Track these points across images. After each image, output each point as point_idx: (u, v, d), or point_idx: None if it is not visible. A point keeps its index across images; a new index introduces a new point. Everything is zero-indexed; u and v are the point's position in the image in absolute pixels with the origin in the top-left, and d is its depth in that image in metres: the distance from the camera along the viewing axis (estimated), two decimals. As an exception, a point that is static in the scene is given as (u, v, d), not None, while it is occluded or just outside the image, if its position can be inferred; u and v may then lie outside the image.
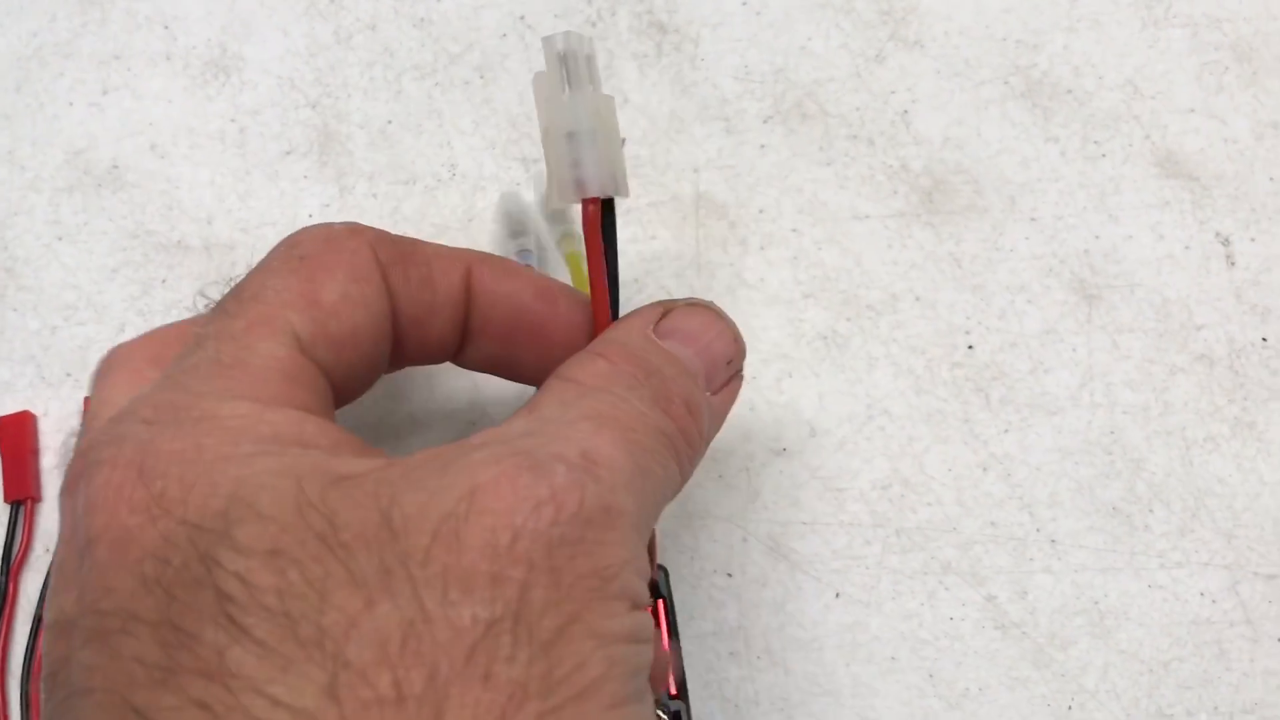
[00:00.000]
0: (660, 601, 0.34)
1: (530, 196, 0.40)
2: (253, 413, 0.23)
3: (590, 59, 0.28)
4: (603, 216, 0.28)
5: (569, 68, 0.28)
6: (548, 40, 0.28)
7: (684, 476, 0.26)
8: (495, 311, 0.29)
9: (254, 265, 0.27)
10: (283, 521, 0.21)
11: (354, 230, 0.28)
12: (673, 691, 0.33)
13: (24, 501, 0.37)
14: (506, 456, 0.22)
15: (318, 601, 0.20)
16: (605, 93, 0.29)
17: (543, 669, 0.20)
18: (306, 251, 0.27)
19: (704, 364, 0.28)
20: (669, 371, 0.26)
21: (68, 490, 0.23)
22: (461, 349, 0.30)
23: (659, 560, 0.35)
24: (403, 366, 0.30)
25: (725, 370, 0.29)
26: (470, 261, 0.29)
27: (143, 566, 0.21)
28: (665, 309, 0.28)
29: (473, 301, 0.29)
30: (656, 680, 0.30)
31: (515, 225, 0.39)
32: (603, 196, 0.28)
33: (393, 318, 0.28)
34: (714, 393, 0.28)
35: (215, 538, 0.21)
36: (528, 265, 0.36)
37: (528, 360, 0.30)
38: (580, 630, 0.21)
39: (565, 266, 0.38)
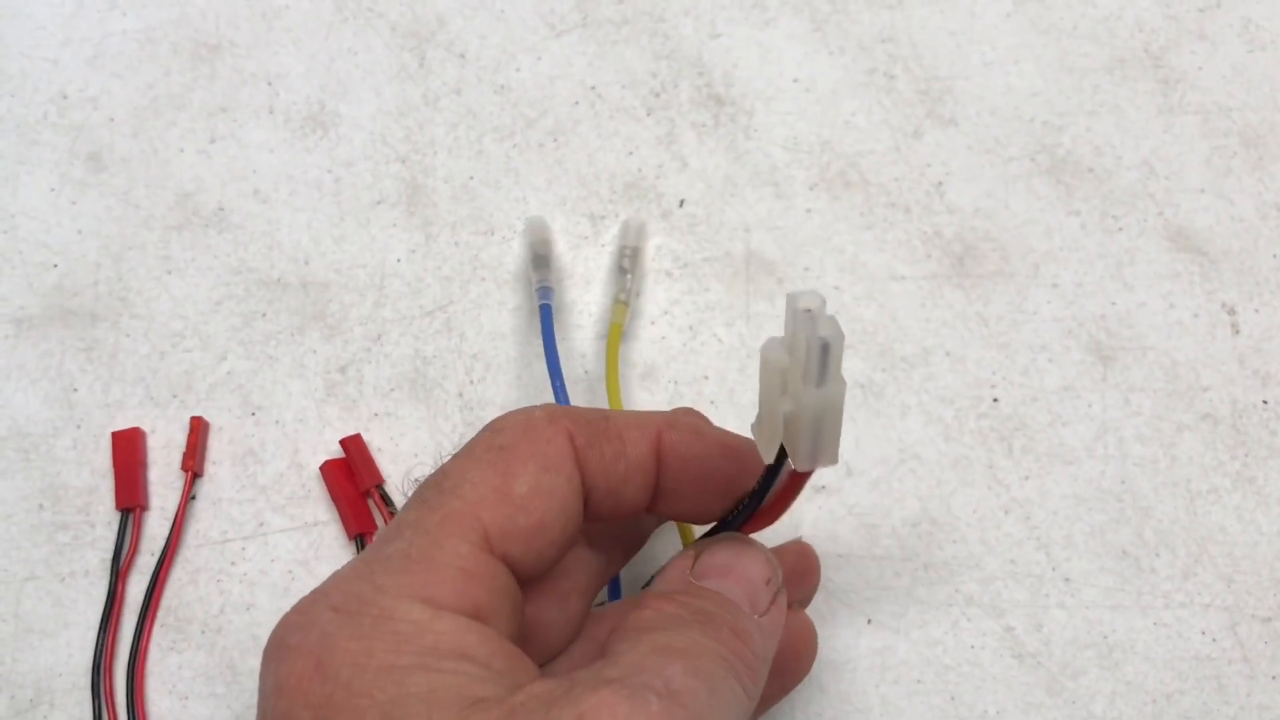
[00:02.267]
0: None
1: (553, 226, 0.45)
2: (424, 619, 0.27)
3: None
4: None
5: (830, 358, 0.26)
6: (810, 319, 0.26)
7: (749, 696, 0.28)
8: (685, 474, 0.32)
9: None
10: None
11: (551, 417, 0.30)
12: None
13: (133, 510, 0.41)
14: (602, 685, 0.25)
15: None
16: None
17: None
18: (506, 441, 0.30)
19: (744, 591, 0.30)
20: (711, 606, 0.29)
21: (266, 660, 0.27)
22: (653, 504, 0.32)
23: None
24: (596, 523, 0.32)
25: (766, 590, 0.31)
26: (660, 428, 0.32)
27: None
28: (697, 551, 0.31)
29: (663, 466, 0.32)
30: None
31: (539, 257, 0.43)
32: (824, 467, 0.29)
33: (585, 493, 0.31)
34: (761, 615, 0.30)
35: None
36: (544, 306, 0.41)
37: (718, 508, 0.33)
38: None
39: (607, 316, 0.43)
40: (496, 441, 0.30)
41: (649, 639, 0.27)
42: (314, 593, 0.28)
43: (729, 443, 0.33)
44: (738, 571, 0.30)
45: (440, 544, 0.28)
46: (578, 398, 0.43)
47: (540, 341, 0.42)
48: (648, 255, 0.45)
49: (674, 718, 0.25)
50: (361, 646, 0.26)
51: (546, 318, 0.41)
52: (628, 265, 0.44)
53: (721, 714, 0.27)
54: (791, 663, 0.35)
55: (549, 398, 0.40)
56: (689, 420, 0.33)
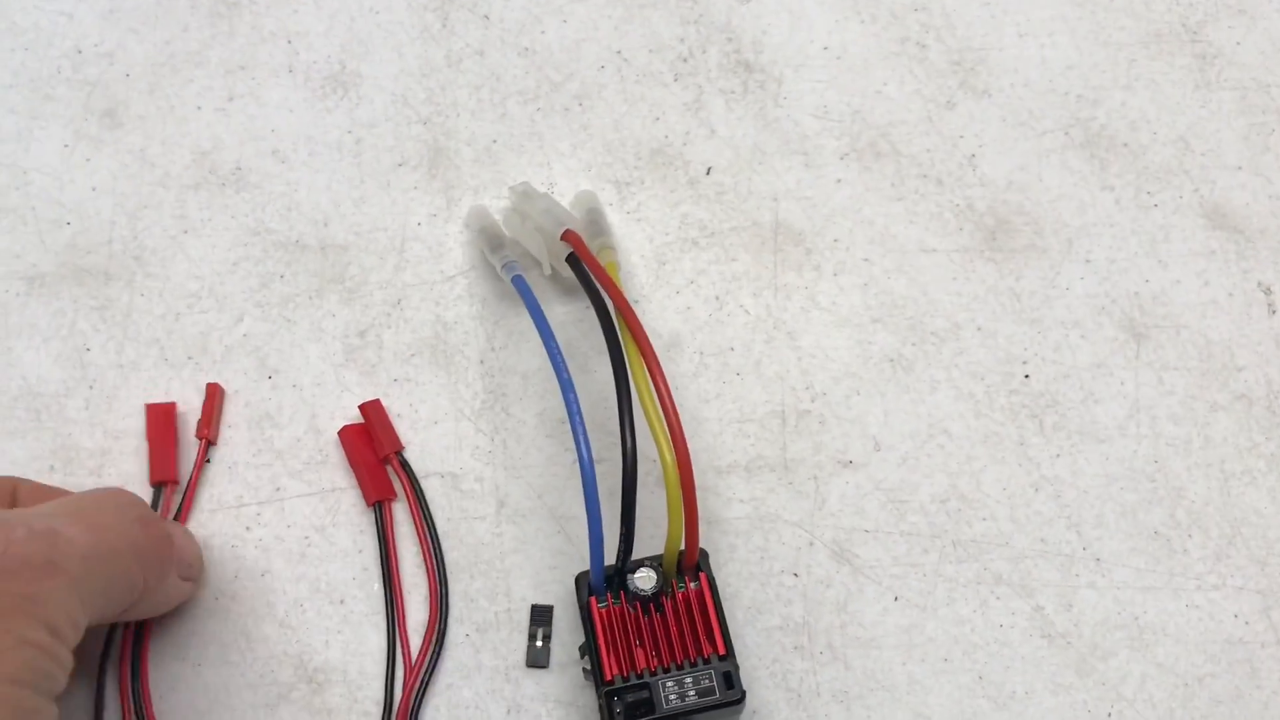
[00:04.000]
0: (703, 576, 0.37)
1: (496, 215, 0.44)
2: None
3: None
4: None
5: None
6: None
7: (147, 586, 0.34)
8: None
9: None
10: None
11: None
12: (721, 651, 0.36)
13: (165, 484, 0.40)
14: None
15: None
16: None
17: None
18: None
19: (182, 552, 0.37)
20: (152, 515, 0.36)
21: None
22: None
23: (701, 545, 0.37)
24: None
25: (186, 569, 0.37)
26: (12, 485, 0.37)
27: None
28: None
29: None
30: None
31: (492, 239, 0.42)
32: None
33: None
34: (181, 577, 0.37)
35: None
36: (516, 277, 0.40)
37: None
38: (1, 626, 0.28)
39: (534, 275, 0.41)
40: None
41: (76, 503, 0.33)
42: None
43: None
44: (181, 539, 0.38)
45: None
46: (595, 361, 0.42)
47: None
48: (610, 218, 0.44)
49: (34, 546, 0.29)
50: None
51: (522, 287, 0.40)
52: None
53: (102, 573, 0.32)
54: None
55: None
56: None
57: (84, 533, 0.31)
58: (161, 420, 0.40)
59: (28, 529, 0.30)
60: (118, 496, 0.35)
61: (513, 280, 0.40)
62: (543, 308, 0.38)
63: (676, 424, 0.35)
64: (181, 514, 0.40)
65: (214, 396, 0.41)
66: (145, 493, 0.40)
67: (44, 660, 0.29)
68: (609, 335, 0.38)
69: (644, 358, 0.37)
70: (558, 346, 0.37)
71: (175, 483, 0.40)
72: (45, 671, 0.29)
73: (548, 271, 0.42)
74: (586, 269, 0.39)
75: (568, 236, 0.40)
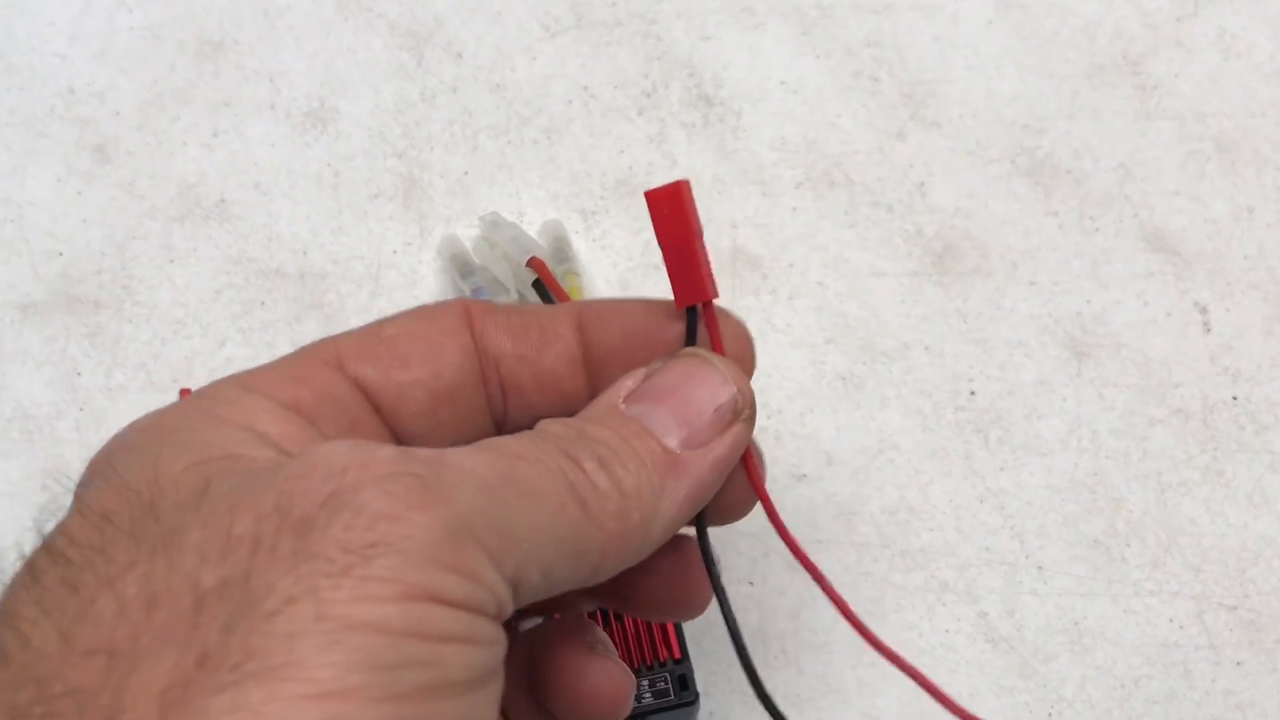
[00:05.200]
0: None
1: (467, 243, 0.45)
2: (231, 395, 0.24)
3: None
4: None
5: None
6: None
7: (593, 523, 0.23)
8: (610, 340, 0.27)
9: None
10: (124, 487, 0.21)
11: (449, 301, 0.28)
12: (676, 655, 0.38)
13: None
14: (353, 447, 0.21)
15: (99, 556, 0.20)
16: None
17: (245, 638, 0.18)
18: (393, 316, 0.28)
19: (679, 417, 0.25)
20: (599, 434, 0.25)
21: None
22: (593, 389, 0.28)
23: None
24: (539, 416, 0.26)
25: (714, 417, 0.26)
26: (577, 307, 0.28)
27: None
28: (650, 370, 0.27)
29: (587, 338, 0.28)
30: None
31: (462, 266, 0.45)
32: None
33: (491, 360, 0.27)
34: (701, 444, 0.26)
35: (75, 496, 0.23)
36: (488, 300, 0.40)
37: None
38: (306, 603, 0.18)
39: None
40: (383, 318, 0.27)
41: (484, 447, 0.23)
42: None
43: (649, 304, 0.28)
44: (680, 394, 0.26)
45: (293, 356, 0.26)
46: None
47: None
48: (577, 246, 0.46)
49: (398, 464, 0.20)
50: (154, 418, 0.24)
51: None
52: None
53: (522, 513, 0.22)
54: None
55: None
56: (609, 299, 0.30)
57: (488, 463, 0.22)
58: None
59: (399, 449, 0.21)
60: (543, 432, 0.24)
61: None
62: None
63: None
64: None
65: (197, 417, 0.43)
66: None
67: (394, 645, 0.19)
68: None
69: None
70: None
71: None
72: (399, 660, 0.19)
73: (514, 296, 0.44)
74: (550, 294, 0.42)
75: (533, 263, 0.42)
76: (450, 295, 0.46)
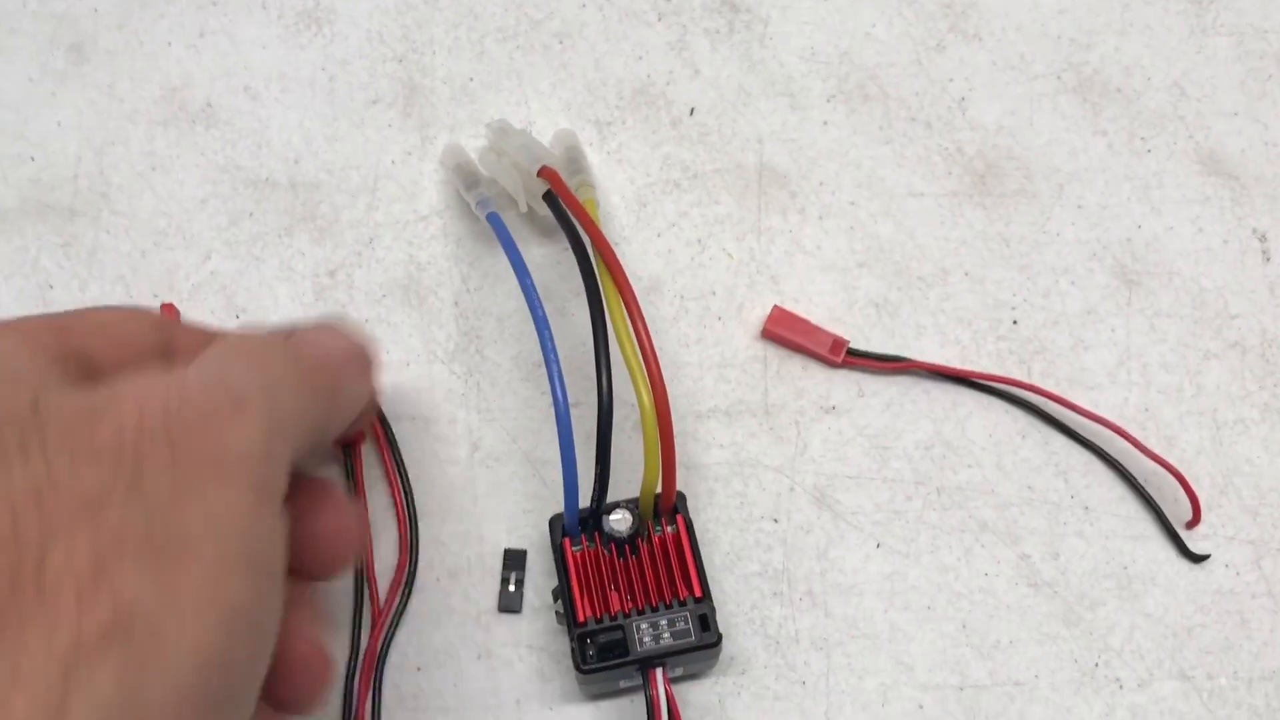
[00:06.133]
0: (680, 518, 0.36)
1: (472, 153, 0.42)
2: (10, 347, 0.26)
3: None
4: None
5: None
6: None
7: (330, 408, 0.29)
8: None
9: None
10: None
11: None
12: (698, 594, 0.35)
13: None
14: (150, 373, 0.25)
15: None
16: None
17: (147, 525, 0.22)
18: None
19: (339, 354, 0.31)
20: (309, 337, 0.31)
21: None
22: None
23: (680, 489, 0.36)
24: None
25: (355, 366, 0.32)
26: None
27: None
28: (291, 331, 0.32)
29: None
30: None
31: (468, 178, 0.41)
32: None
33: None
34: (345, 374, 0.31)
35: None
36: (491, 215, 0.39)
37: None
38: (193, 500, 0.23)
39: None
40: None
41: (220, 348, 0.27)
42: None
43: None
44: (316, 336, 0.31)
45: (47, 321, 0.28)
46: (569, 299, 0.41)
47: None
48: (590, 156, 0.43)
49: (212, 387, 0.25)
50: None
51: (497, 224, 0.38)
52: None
53: (287, 402, 0.27)
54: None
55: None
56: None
57: (251, 367, 0.27)
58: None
59: (200, 372, 0.25)
60: (268, 337, 0.30)
61: (487, 218, 0.39)
62: (519, 248, 0.37)
63: (655, 366, 0.34)
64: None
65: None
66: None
67: (254, 538, 0.24)
68: (586, 275, 0.37)
69: (622, 298, 0.36)
70: (533, 284, 0.36)
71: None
72: (257, 551, 0.24)
73: (524, 209, 0.40)
74: (564, 206, 0.38)
75: (544, 173, 0.39)
76: (454, 209, 0.42)
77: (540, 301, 0.36)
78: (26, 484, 0.22)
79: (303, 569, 0.28)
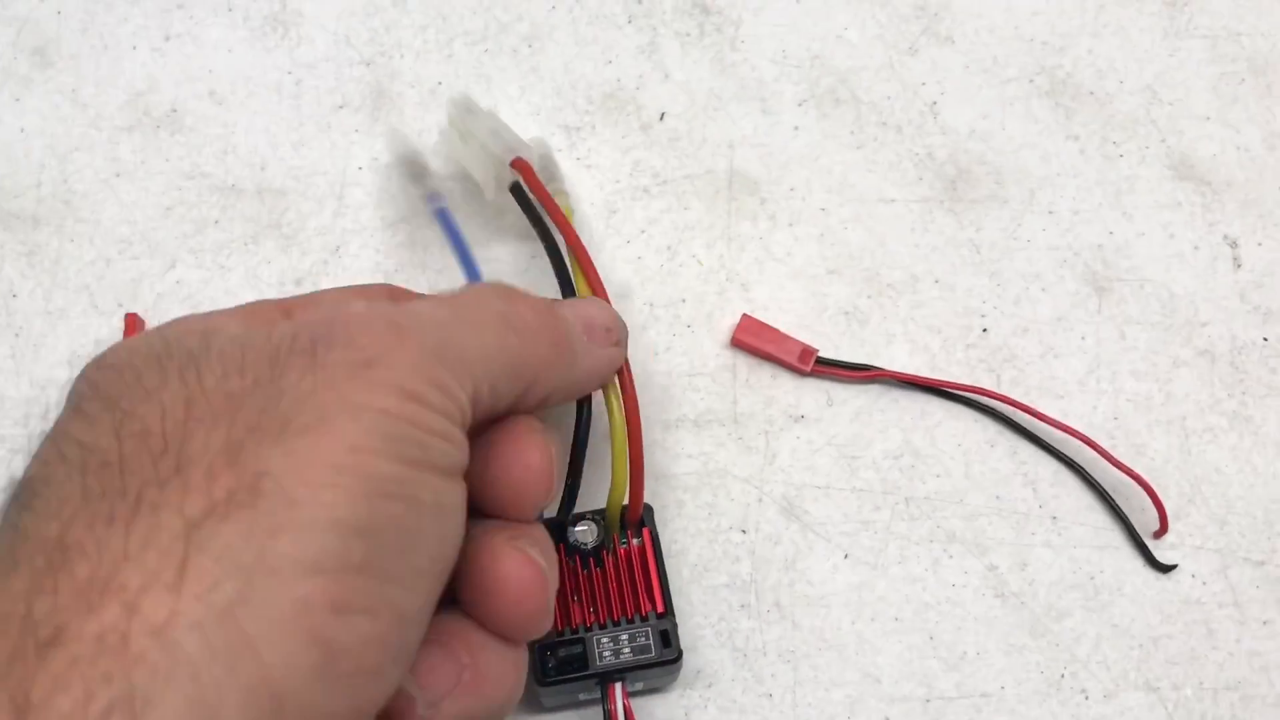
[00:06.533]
0: (646, 531, 0.36)
1: (416, 139, 0.41)
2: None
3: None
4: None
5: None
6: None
7: (527, 347, 0.29)
8: None
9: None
10: (130, 349, 0.26)
11: (373, 286, 0.34)
12: (660, 609, 0.35)
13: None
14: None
15: (134, 383, 0.25)
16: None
17: (286, 412, 0.24)
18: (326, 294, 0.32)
19: (582, 320, 0.32)
20: (521, 292, 0.31)
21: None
22: None
23: (645, 500, 0.36)
24: None
25: (601, 332, 0.33)
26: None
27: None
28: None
29: None
30: None
31: (413, 168, 0.40)
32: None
33: None
34: (591, 340, 0.32)
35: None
36: (441, 210, 0.38)
37: None
38: (330, 395, 0.24)
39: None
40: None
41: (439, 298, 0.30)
42: None
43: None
44: (580, 309, 0.33)
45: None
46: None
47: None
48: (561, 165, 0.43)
49: (376, 312, 0.26)
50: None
51: (446, 221, 0.37)
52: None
53: (473, 345, 0.27)
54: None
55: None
56: None
57: (441, 306, 0.28)
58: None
59: (366, 302, 0.27)
60: (483, 287, 0.31)
61: (437, 211, 0.38)
62: (475, 247, 0.37)
63: (626, 374, 0.34)
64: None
65: (133, 328, 0.39)
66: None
67: (397, 425, 0.24)
68: (560, 274, 0.36)
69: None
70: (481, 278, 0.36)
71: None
72: (401, 436, 0.24)
73: (490, 197, 0.40)
74: (534, 200, 0.37)
75: (517, 165, 0.38)
76: (423, 215, 0.42)
77: None
78: (180, 393, 0.24)
79: (495, 506, 0.30)
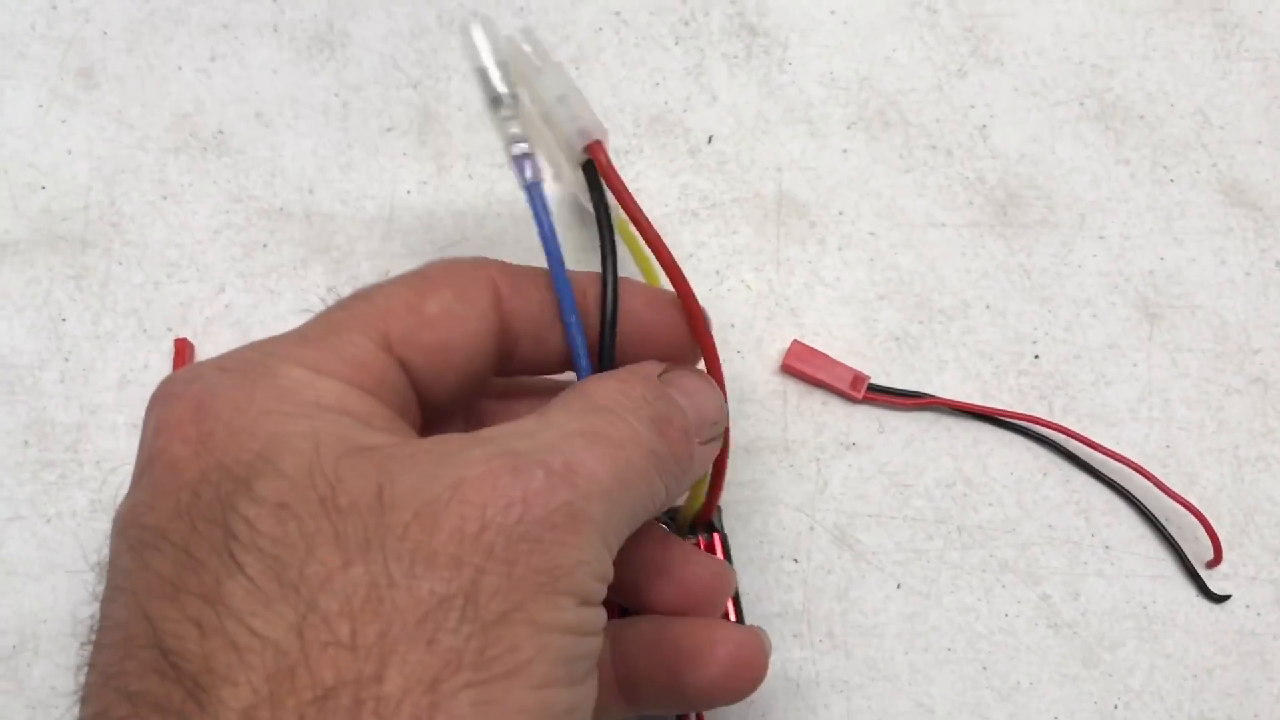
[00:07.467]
0: (716, 534, 0.36)
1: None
2: (306, 379, 0.26)
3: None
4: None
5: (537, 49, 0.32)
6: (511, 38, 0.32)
7: (670, 496, 0.28)
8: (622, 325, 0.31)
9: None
10: (294, 480, 0.23)
11: (479, 262, 0.30)
12: (732, 617, 0.35)
13: (124, 448, 0.39)
14: (496, 456, 0.24)
15: (305, 553, 0.23)
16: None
17: (480, 644, 0.22)
18: (429, 273, 0.29)
19: (696, 416, 0.30)
20: (668, 410, 0.28)
21: (148, 410, 0.26)
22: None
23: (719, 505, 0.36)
24: (520, 374, 0.32)
25: (710, 429, 0.30)
26: (587, 284, 0.31)
27: (180, 494, 0.24)
28: (665, 368, 0.30)
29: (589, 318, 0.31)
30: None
31: (512, 84, 0.31)
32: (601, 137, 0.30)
33: (504, 335, 0.30)
34: (700, 443, 0.30)
35: (238, 485, 0.24)
36: (530, 182, 0.30)
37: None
38: (521, 617, 0.23)
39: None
40: (419, 272, 0.29)
41: (587, 418, 0.27)
42: (204, 359, 0.28)
43: (652, 294, 0.31)
44: (697, 398, 0.30)
45: (338, 332, 0.27)
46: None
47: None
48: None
49: (554, 495, 0.24)
50: (243, 394, 0.25)
51: (538, 199, 0.30)
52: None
53: (622, 506, 0.26)
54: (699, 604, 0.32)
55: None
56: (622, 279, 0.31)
57: (604, 460, 0.25)
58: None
59: (545, 470, 0.24)
60: (630, 387, 0.28)
61: (527, 187, 0.30)
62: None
63: (719, 376, 0.31)
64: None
65: (184, 353, 0.39)
66: (122, 470, 0.38)
67: (576, 644, 0.24)
68: (610, 282, 0.30)
69: (685, 303, 0.31)
70: (568, 286, 0.30)
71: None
72: (577, 655, 0.24)
73: (553, 174, 0.32)
74: (605, 187, 0.30)
75: (592, 149, 0.30)
76: (472, 240, 0.42)
77: (575, 304, 0.30)
78: (366, 587, 0.22)
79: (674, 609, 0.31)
